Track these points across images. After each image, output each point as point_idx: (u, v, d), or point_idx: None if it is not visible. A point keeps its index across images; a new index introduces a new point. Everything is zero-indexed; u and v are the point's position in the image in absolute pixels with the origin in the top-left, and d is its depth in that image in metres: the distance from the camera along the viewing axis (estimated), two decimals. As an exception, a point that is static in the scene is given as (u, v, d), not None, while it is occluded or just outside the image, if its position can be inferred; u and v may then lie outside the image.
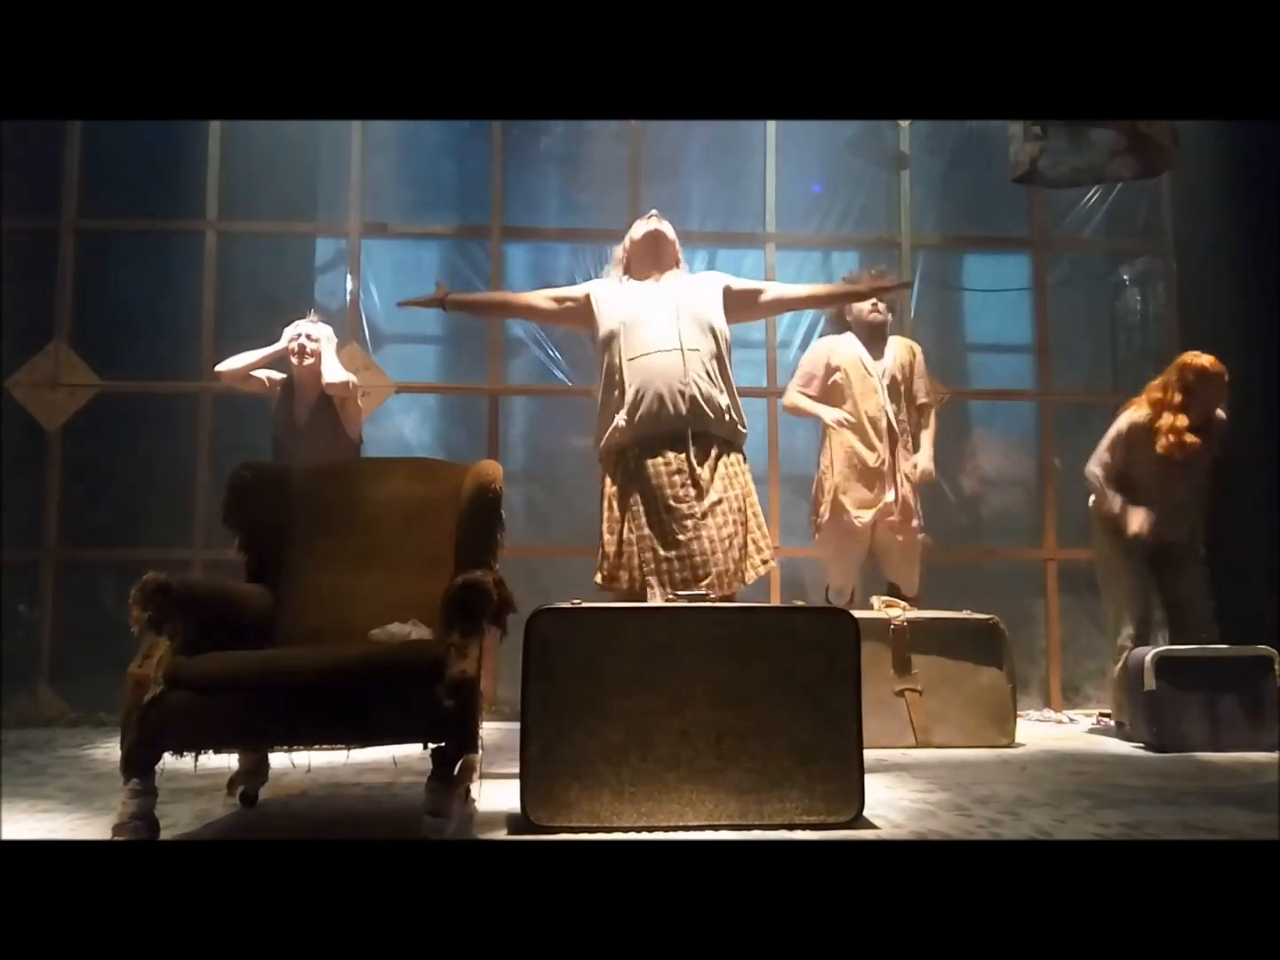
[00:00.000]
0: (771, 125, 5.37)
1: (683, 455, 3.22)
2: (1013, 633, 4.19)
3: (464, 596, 2.31)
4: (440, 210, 5.42)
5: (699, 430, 3.24)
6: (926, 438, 4.56)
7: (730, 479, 3.27)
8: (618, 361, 3.31)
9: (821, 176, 5.51)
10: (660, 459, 3.22)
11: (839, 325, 4.67)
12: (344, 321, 5.15)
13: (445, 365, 5.51)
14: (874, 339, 4.54)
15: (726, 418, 3.28)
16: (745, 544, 3.26)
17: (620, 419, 3.26)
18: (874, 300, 4.45)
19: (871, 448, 4.40)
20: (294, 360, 4.20)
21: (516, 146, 5.36)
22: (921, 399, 4.60)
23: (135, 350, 5.10)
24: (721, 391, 3.28)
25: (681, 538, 3.17)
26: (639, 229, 3.52)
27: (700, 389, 3.23)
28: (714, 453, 3.27)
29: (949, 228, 5.54)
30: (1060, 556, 5.23)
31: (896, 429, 4.43)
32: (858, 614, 2.92)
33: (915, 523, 4.44)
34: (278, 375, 4.29)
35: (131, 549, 4.79)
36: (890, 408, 4.43)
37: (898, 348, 4.58)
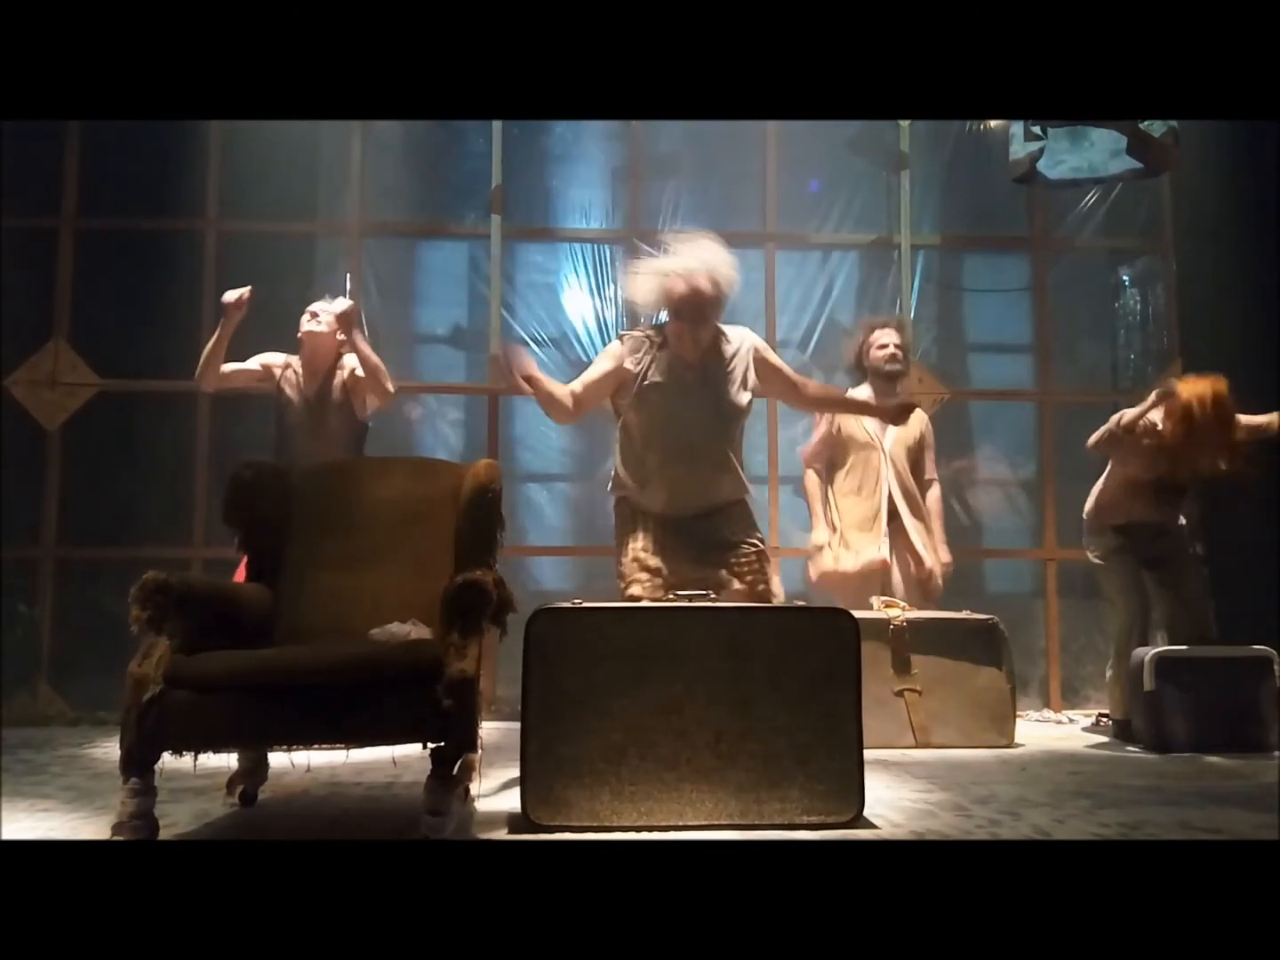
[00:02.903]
0: (771, 125, 5.37)
1: (700, 525, 3.07)
2: (1012, 633, 4.18)
3: (463, 596, 2.31)
4: (440, 210, 5.42)
5: (709, 506, 3.10)
6: (937, 524, 4.52)
7: (744, 528, 3.15)
8: (636, 435, 3.10)
9: (821, 176, 5.51)
10: (675, 529, 3.07)
11: (856, 375, 4.56)
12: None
13: (445, 365, 5.51)
14: (889, 392, 4.41)
15: (734, 490, 3.15)
16: (765, 570, 3.14)
17: (636, 488, 3.10)
18: (891, 351, 4.41)
19: (866, 516, 4.37)
20: (303, 330, 4.08)
21: (516, 146, 5.36)
22: (929, 474, 4.55)
23: (135, 350, 5.10)
24: (729, 470, 3.11)
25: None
26: (674, 297, 3.00)
27: (711, 479, 3.08)
28: (725, 513, 3.14)
29: (949, 228, 5.53)
30: (1060, 557, 5.22)
31: (897, 494, 4.39)
32: (857, 614, 2.92)
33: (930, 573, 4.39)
34: (275, 359, 4.22)
35: (131, 548, 4.79)
36: (891, 473, 4.39)
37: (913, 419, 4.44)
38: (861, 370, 4.53)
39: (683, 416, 3.05)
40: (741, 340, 3.16)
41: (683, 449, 3.05)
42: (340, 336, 4.08)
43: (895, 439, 4.44)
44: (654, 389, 3.07)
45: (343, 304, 4.08)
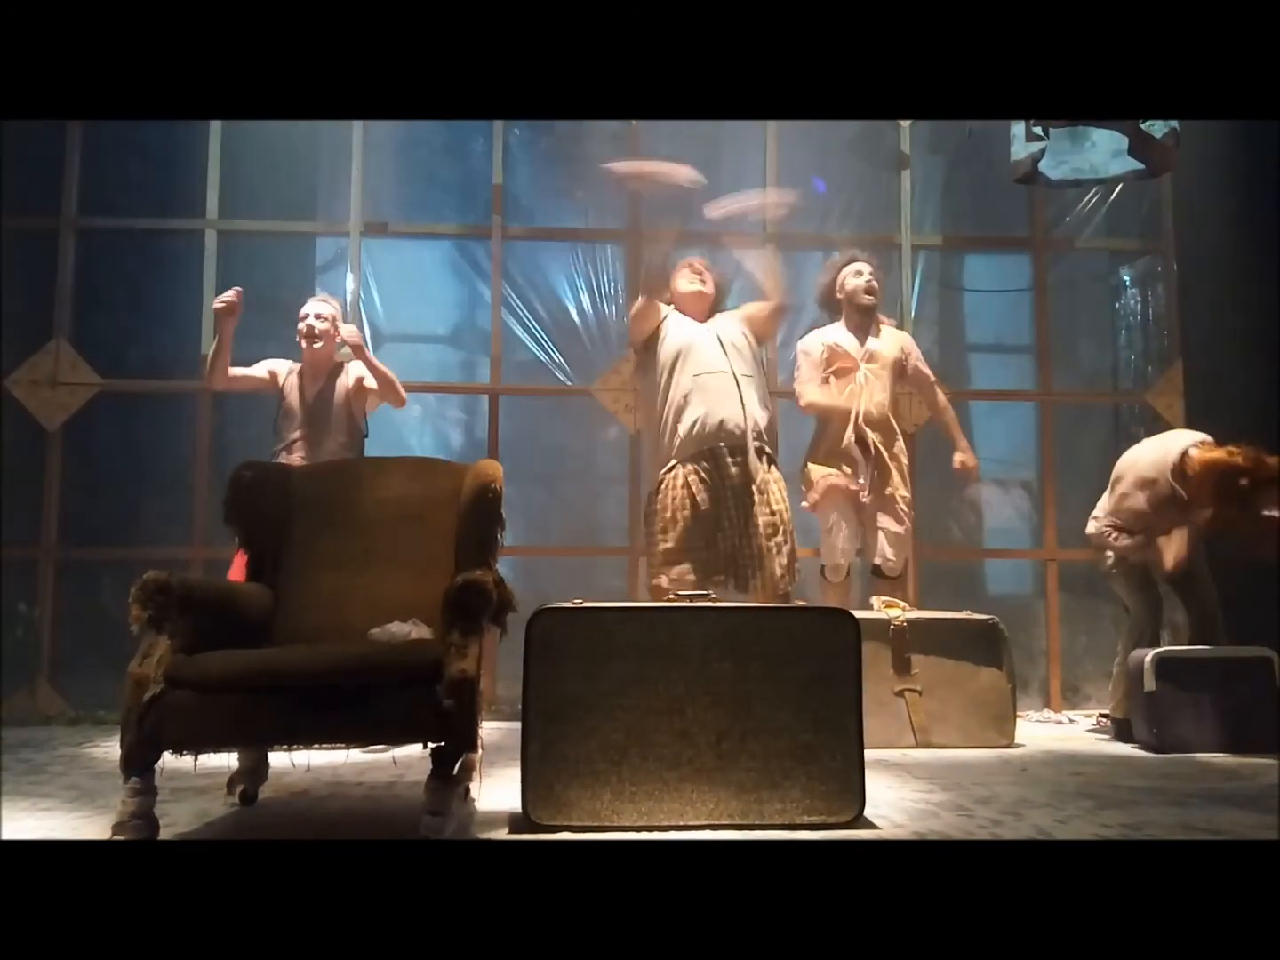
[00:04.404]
0: (772, 125, 5.37)
1: (741, 465, 3.80)
2: (1013, 633, 4.18)
3: (464, 596, 2.31)
4: (440, 210, 5.42)
5: (755, 445, 3.82)
6: (955, 429, 4.54)
7: (779, 492, 3.89)
8: (679, 380, 3.88)
9: (822, 176, 5.50)
10: (723, 468, 3.80)
11: (831, 313, 4.63)
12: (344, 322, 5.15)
13: (445, 365, 5.51)
14: (864, 323, 4.51)
15: (770, 433, 3.92)
16: (791, 552, 3.85)
17: (687, 432, 3.82)
18: (867, 280, 4.49)
19: (855, 441, 4.36)
20: (302, 344, 4.12)
21: (516, 146, 5.36)
22: (930, 379, 4.59)
23: (135, 350, 5.10)
24: (767, 410, 3.95)
25: (745, 541, 3.79)
26: (685, 284, 4.15)
27: (756, 410, 3.88)
28: (765, 464, 3.88)
29: (949, 228, 5.53)
30: (1061, 557, 5.22)
31: (871, 423, 4.38)
32: (858, 614, 2.92)
33: (898, 506, 4.38)
34: (281, 367, 4.23)
35: (131, 549, 4.79)
36: (877, 398, 4.39)
37: (888, 337, 4.56)
38: (834, 305, 4.59)
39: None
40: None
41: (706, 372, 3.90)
42: (339, 341, 4.12)
43: (873, 355, 4.44)
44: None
45: (350, 331, 4.14)
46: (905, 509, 4.41)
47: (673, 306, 4.16)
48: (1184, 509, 3.94)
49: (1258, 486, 3.77)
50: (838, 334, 4.53)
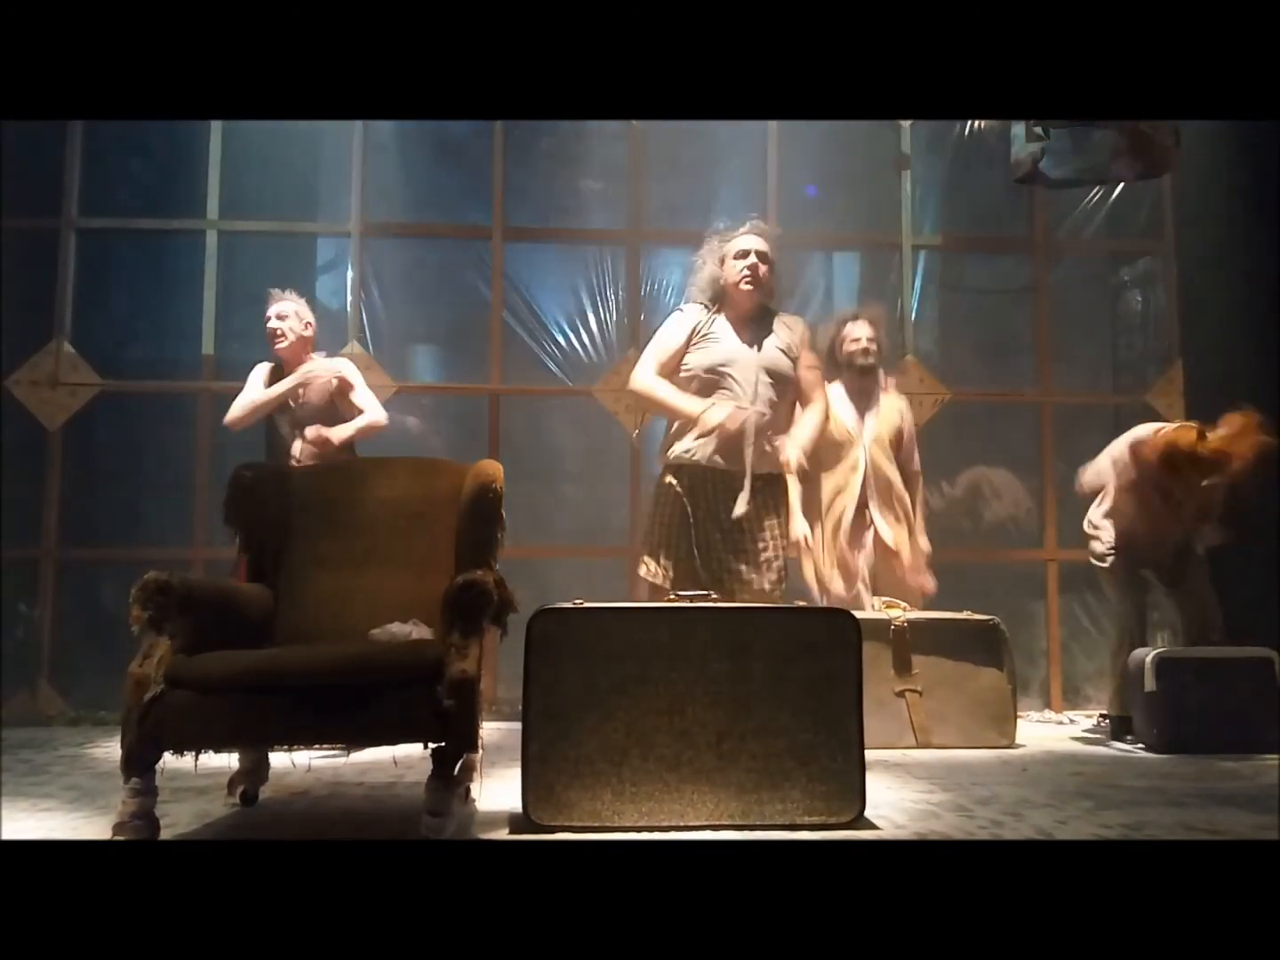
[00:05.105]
0: (772, 125, 5.37)
1: (740, 487, 3.42)
2: (1013, 634, 4.18)
3: (464, 596, 2.31)
4: (440, 210, 5.42)
5: (760, 471, 3.46)
6: (919, 517, 4.41)
7: (777, 508, 3.57)
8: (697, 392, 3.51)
9: (821, 176, 5.50)
10: (723, 486, 3.46)
11: (830, 371, 4.36)
12: (345, 321, 5.15)
13: (445, 365, 5.51)
14: (863, 387, 4.39)
15: (780, 458, 3.52)
16: (783, 567, 3.60)
17: (694, 445, 3.48)
18: (863, 345, 4.36)
19: (842, 512, 4.28)
20: (271, 346, 4.12)
21: (517, 146, 5.36)
22: (914, 466, 4.48)
23: (135, 350, 5.10)
24: (782, 439, 3.52)
25: (728, 556, 3.51)
26: (735, 271, 3.54)
27: (768, 440, 3.48)
28: (767, 486, 3.53)
29: (949, 228, 5.53)
30: (1061, 557, 5.22)
31: (871, 489, 4.30)
32: (858, 614, 2.92)
33: (921, 576, 4.34)
34: (263, 370, 4.19)
35: (131, 549, 4.80)
36: (868, 466, 4.30)
37: (888, 408, 4.42)
38: (835, 364, 4.43)
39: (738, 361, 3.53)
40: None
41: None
42: (309, 333, 4.13)
43: (874, 432, 4.35)
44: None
45: (333, 369, 4.10)
46: (922, 564, 4.36)
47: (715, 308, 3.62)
48: (1148, 498, 4.02)
49: (1208, 461, 3.82)
50: (834, 400, 4.25)
